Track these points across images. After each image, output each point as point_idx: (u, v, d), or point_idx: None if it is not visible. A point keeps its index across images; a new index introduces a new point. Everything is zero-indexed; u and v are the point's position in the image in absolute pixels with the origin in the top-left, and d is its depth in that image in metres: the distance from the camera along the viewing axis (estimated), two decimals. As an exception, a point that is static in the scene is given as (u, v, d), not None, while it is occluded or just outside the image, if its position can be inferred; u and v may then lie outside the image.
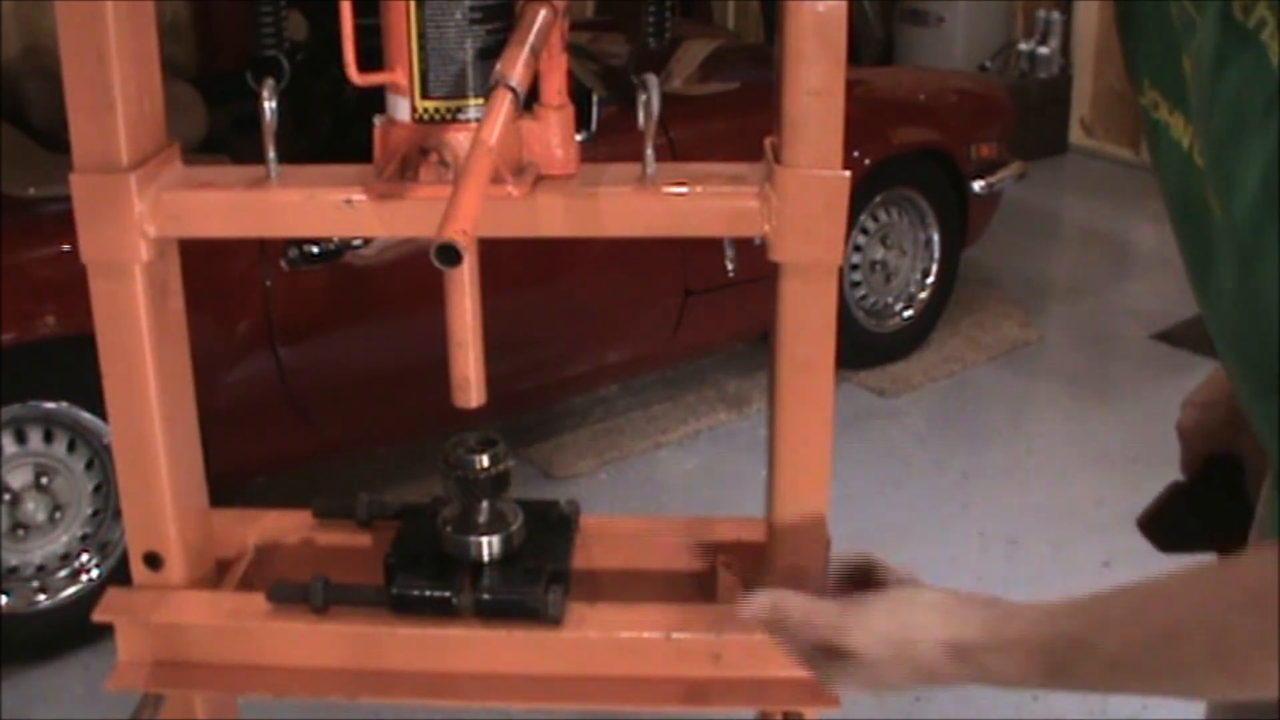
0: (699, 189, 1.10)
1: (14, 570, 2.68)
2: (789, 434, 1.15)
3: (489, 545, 1.18)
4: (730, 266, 1.20)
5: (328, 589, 1.13)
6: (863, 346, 3.97)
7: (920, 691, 2.61)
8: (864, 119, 3.66)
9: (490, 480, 1.17)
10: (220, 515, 1.29)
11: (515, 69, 0.94)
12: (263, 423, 2.94)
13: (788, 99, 1.05)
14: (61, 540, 2.72)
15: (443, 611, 1.16)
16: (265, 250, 2.81)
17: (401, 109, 1.07)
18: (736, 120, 3.29)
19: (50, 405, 2.64)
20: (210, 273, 2.69)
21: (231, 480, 2.69)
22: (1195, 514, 1.14)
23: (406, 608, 1.16)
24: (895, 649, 0.93)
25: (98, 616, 1.17)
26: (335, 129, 3.31)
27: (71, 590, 2.72)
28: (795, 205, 1.06)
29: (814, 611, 0.97)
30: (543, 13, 1.00)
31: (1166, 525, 1.16)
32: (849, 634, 0.95)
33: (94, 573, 2.75)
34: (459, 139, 1.05)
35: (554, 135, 1.10)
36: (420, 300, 2.35)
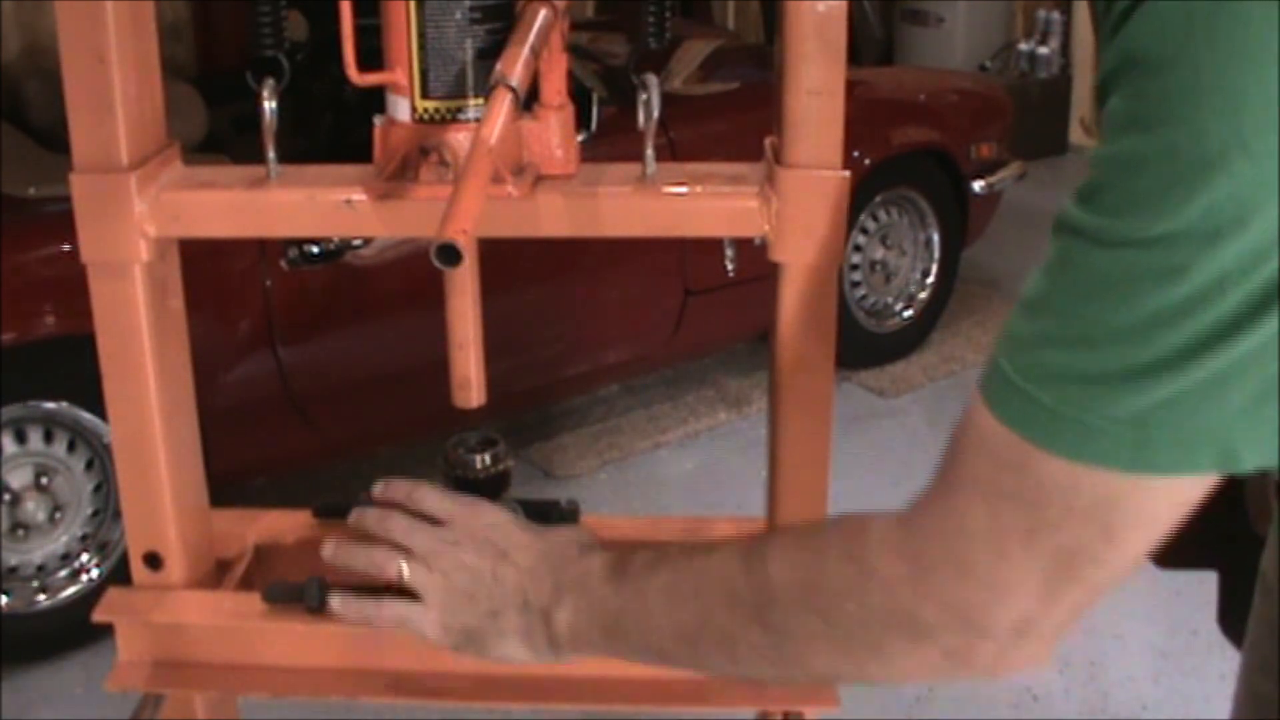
0: (699, 189, 1.10)
1: (14, 570, 2.68)
2: (789, 434, 1.15)
3: (489, 545, 1.18)
4: (730, 266, 1.20)
5: (324, 589, 1.13)
6: (863, 346, 3.97)
7: (921, 692, 2.62)
8: (864, 119, 3.66)
9: (490, 480, 1.17)
10: (220, 515, 1.28)
11: (515, 69, 0.94)
12: (263, 423, 2.94)
13: (788, 99, 1.05)
14: (61, 540, 2.72)
15: (443, 611, 1.16)
16: (265, 250, 2.81)
17: (401, 109, 1.07)
18: (736, 120, 3.29)
19: (50, 405, 2.64)
20: (210, 273, 2.69)
21: (231, 480, 2.70)
22: (1194, 532, 1.14)
23: (406, 608, 1.16)
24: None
25: (98, 616, 1.17)
26: (335, 129, 3.31)
27: (71, 590, 2.72)
28: (795, 205, 1.06)
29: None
30: (543, 13, 1.00)
31: (1165, 542, 1.16)
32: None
33: (94, 573, 2.75)
34: (459, 139, 1.05)
35: (554, 135, 1.10)
36: (420, 300, 2.35)
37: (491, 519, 1.02)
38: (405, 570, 1.00)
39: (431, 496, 1.04)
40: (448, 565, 0.99)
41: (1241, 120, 0.59)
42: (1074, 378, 0.66)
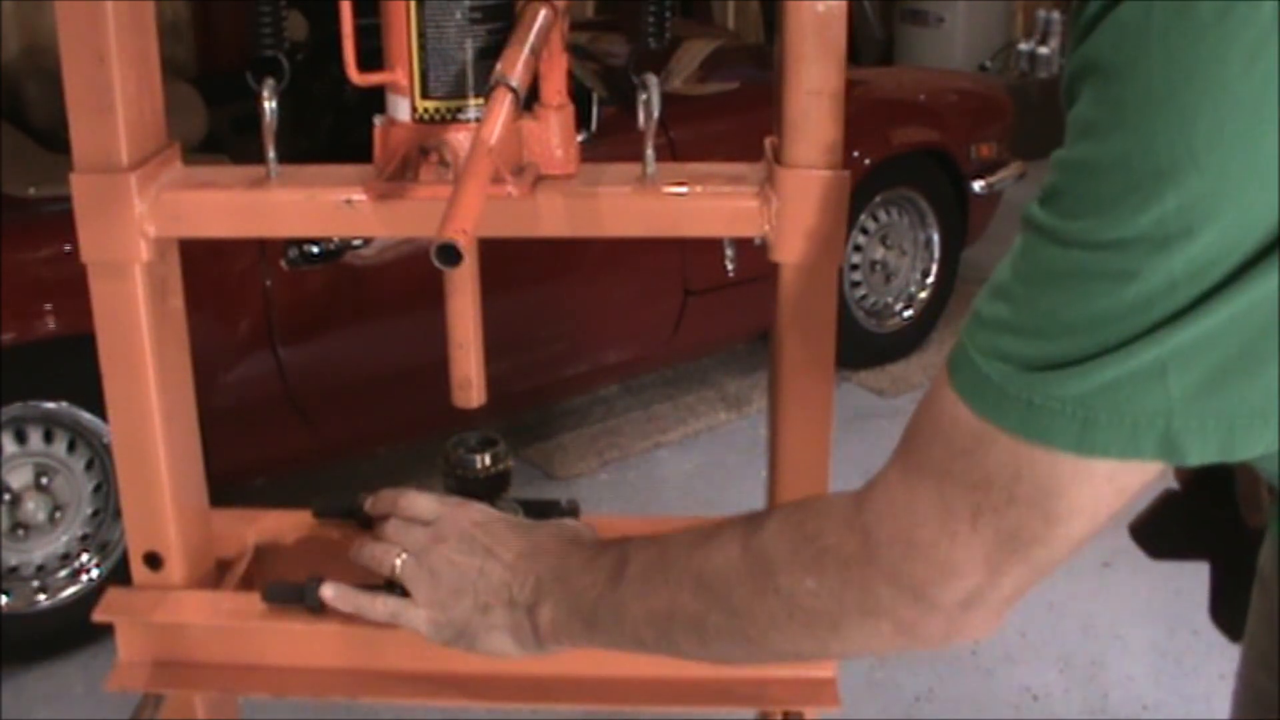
0: (699, 189, 1.10)
1: (14, 570, 2.68)
2: (789, 434, 1.15)
3: (489, 545, 1.18)
4: (730, 266, 1.20)
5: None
6: (863, 346, 3.97)
7: (921, 691, 2.62)
8: (864, 119, 3.67)
9: (490, 480, 1.17)
10: (220, 515, 1.28)
11: (515, 69, 0.94)
12: (263, 423, 2.94)
13: (788, 99, 1.05)
14: (61, 540, 2.72)
15: (443, 611, 1.16)
16: (265, 250, 2.81)
17: (401, 109, 1.07)
18: (736, 120, 3.29)
19: (50, 405, 2.64)
20: (210, 273, 2.69)
21: (231, 480, 2.70)
22: (1185, 523, 1.15)
23: (406, 608, 1.16)
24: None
25: (98, 616, 1.17)
26: (335, 129, 3.31)
27: (71, 590, 2.73)
28: (795, 205, 1.06)
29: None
30: (543, 13, 1.00)
31: (1157, 532, 1.17)
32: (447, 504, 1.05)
33: (94, 573, 2.75)
34: (459, 139, 1.05)
35: (554, 135, 1.10)
36: (420, 300, 2.35)
37: (477, 516, 1.04)
38: (399, 566, 1.02)
39: (419, 500, 1.07)
40: (436, 562, 1.01)
41: (1192, 133, 0.61)
42: (1023, 363, 0.69)
